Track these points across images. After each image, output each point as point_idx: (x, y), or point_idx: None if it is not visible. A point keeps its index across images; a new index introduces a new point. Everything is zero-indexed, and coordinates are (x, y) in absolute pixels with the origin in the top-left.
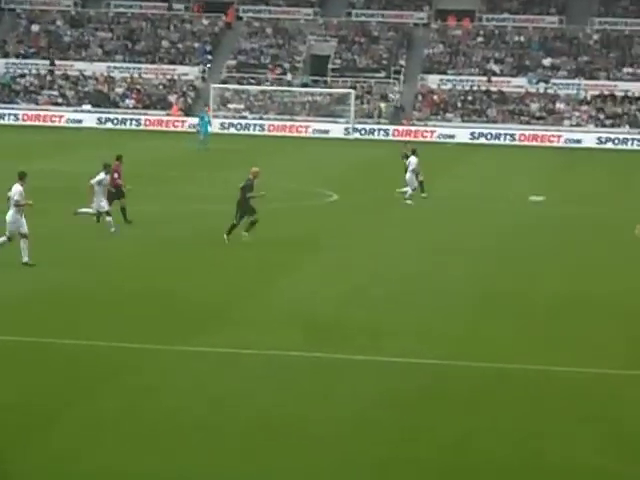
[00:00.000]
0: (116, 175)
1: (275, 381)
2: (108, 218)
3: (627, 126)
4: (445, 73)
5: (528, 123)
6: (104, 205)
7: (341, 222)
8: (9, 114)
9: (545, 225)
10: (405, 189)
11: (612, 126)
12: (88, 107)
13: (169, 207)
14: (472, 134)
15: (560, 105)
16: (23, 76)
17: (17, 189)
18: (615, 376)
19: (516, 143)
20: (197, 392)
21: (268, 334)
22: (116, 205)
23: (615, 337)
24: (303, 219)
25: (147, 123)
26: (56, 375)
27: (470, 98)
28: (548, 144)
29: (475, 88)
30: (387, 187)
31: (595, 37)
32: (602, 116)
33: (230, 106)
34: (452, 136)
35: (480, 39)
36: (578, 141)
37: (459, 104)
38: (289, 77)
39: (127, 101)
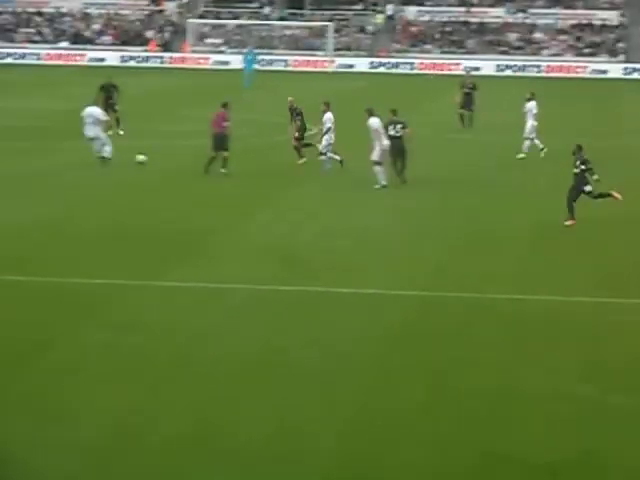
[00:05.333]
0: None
1: (256, 315)
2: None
3: (606, 55)
4: (423, 4)
5: (507, 53)
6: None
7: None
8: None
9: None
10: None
11: (590, 55)
12: (65, 44)
13: (148, 143)
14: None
15: (538, 35)
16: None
17: None
18: (588, 304)
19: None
20: (178, 327)
21: (248, 268)
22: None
23: (582, 266)
24: (284, 153)
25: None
26: (37, 312)
27: (449, 29)
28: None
29: (453, 19)
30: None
31: None
32: (581, 45)
33: (208, 41)
34: (477, 68)
35: None
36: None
37: (437, 35)
38: (266, 11)
39: (104, 37)
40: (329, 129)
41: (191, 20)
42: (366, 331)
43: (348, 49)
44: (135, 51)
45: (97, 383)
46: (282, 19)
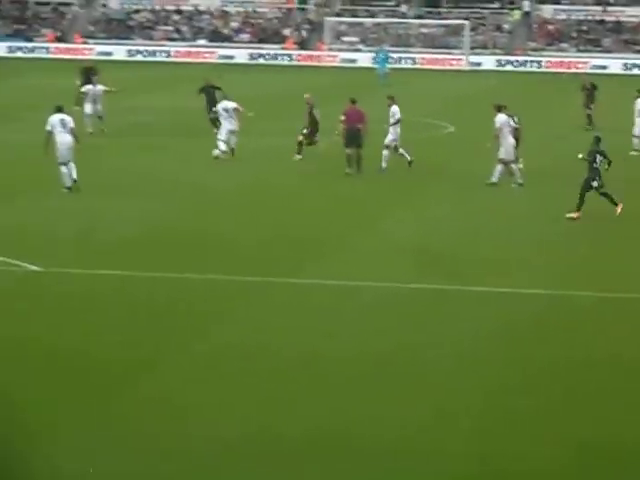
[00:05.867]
0: (343, 117)
1: (388, 314)
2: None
3: None
4: (559, 3)
5: None
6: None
7: (457, 154)
8: (158, 51)
9: None
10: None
11: None
12: (203, 42)
13: (278, 141)
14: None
15: None
16: (138, 12)
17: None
18: None
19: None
20: (310, 325)
21: (382, 266)
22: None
23: None
24: (419, 151)
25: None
26: (169, 309)
27: (585, 28)
28: None
29: (590, 18)
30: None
31: None
32: None
33: (345, 39)
34: (605, 67)
35: None
36: None
37: (574, 34)
38: (403, 9)
39: (242, 35)
40: (396, 122)
41: (328, 18)
42: (500, 329)
43: (484, 47)
44: (272, 49)
45: (227, 380)
46: (419, 17)
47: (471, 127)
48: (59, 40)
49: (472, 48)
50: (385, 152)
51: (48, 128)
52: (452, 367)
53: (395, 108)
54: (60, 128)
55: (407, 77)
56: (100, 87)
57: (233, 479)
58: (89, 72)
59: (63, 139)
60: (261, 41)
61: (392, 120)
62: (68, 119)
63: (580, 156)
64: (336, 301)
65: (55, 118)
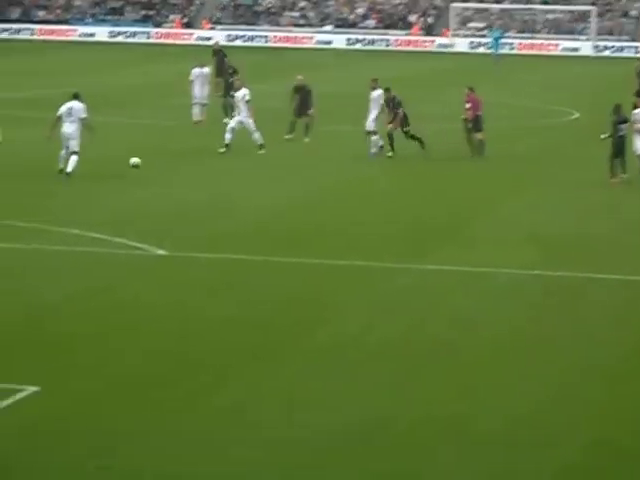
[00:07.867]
0: (469, 105)
1: (516, 300)
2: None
3: None
4: None
5: None
6: None
7: (581, 141)
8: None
9: None
10: None
11: None
12: (330, 28)
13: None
14: None
15: None
16: None
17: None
18: None
19: None
20: (434, 310)
21: (506, 252)
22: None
23: None
24: (542, 137)
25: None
26: (305, 290)
27: None
28: None
29: None
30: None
31: None
32: None
33: (470, 25)
34: None
35: None
36: None
37: None
38: None
39: (367, 21)
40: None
41: (455, 4)
42: (628, 317)
43: (610, 33)
44: (397, 35)
45: (350, 369)
46: (545, 3)
47: (596, 114)
48: (186, 26)
49: (599, 34)
50: (373, 137)
51: (58, 114)
52: (576, 354)
53: (379, 92)
54: (66, 117)
55: (528, 63)
56: (207, 69)
57: (356, 468)
58: (219, 54)
59: (65, 128)
60: (387, 27)
61: (376, 105)
62: (77, 107)
63: (602, 137)
64: (459, 287)
65: (64, 107)
